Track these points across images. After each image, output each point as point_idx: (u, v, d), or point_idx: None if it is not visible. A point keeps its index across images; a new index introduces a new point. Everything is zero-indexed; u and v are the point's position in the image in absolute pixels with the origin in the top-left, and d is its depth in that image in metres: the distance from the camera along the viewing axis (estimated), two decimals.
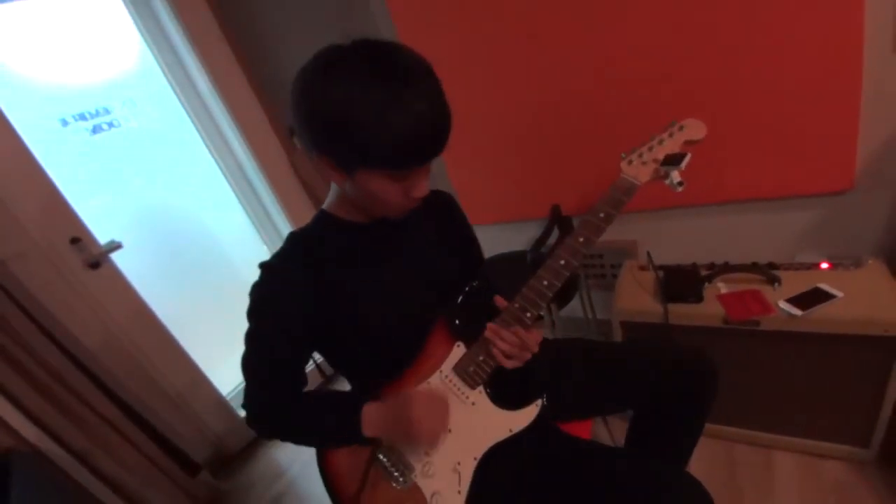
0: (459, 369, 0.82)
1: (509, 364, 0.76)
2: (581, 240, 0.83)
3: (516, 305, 0.78)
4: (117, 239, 1.54)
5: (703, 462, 1.26)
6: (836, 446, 1.14)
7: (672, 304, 1.18)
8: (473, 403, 0.81)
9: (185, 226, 1.86)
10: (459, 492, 0.77)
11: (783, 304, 1.05)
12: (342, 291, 0.78)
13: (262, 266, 0.77)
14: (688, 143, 0.87)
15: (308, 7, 1.64)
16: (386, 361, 0.84)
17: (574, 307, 1.81)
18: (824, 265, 1.15)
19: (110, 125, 1.64)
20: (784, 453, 1.21)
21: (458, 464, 0.78)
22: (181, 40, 1.69)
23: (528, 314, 0.77)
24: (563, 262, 0.82)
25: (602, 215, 0.83)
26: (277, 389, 0.81)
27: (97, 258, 1.47)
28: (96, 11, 1.62)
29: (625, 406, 1.01)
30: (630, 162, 0.86)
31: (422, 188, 0.71)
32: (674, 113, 0.91)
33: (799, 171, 1.18)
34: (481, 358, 0.80)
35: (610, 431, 1.26)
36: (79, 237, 1.43)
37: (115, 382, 1.49)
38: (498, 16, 1.37)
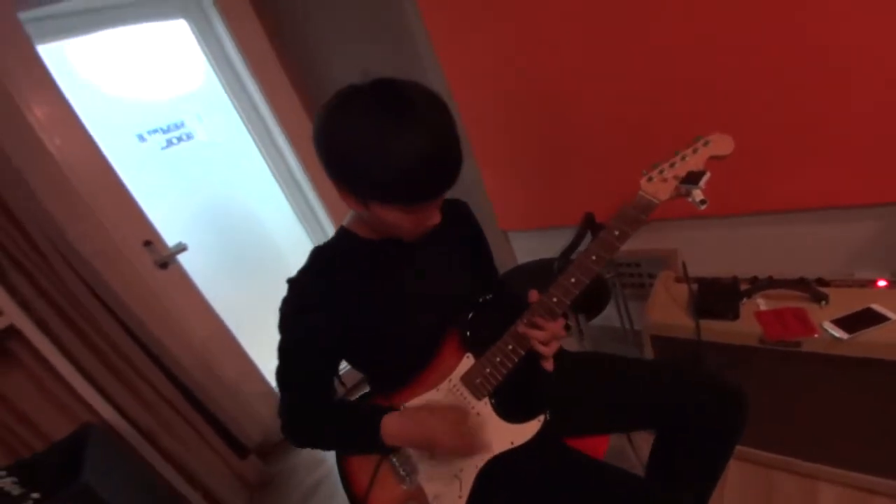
0: (467, 380, 0.84)
1: (546, 350, 0.79)
2: (593, 258, 0.82)
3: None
4: (183, 240, 1.72)
5: (738, 487, 1.19)
6: (887, 482, 1.04)
7: (705, 319, 1.13)
8: (478, 414, 0.83)
9: (242, 224, 2.04)
10: (460, 497, 0.80)
11: (828, 326, 0.97)
12: (359, 305, 0.82)
13: (289, 282, 0.83)
14: (714, 158, 0.83)
15: (349, 32, 1.73)
16: (399, 369, 0.88)
17: (610, 316, 1.77)
18: (881, 283, 1.04)
19: (179, 139, 1.83)
20: (828, 485, 1.11)
21: (461, 470, 0.81)
22: (239, 60, 1.85)
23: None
24: (573, 279, 0.82)
25: (617, 233, 0.81)
26: (307, 400, 0.86)
27: (166, 259, 1.65)
28: (168, 37, 1.81)
29: (644, 427, 0.98)
30: (650, 179, 0.83)
31: (434, 218, 0.75)
32: (714, 119, 0.87)
33: (853, 179, 1.08)
34: (488, 370, 0.83)
35: (634, 450, 1.22)
36: (150, 240, 1.61)
37: (178, 369, 1.67)
38: (532, 22, 1.37)
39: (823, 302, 1.04)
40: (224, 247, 1.99)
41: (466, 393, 0.84)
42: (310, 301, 0.81)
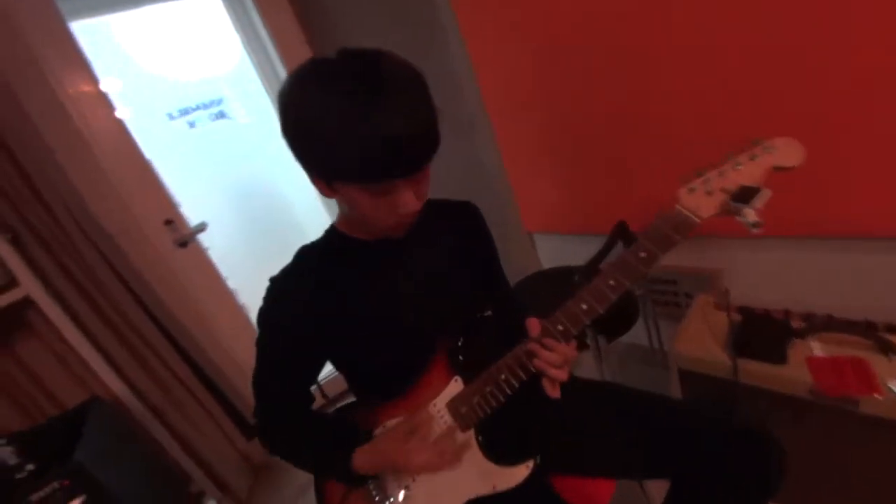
0: (452, 407, 0.76)
1: (557, 374, 0.69)
2: (611, 283, 0.70)
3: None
4: (207, 220, 1.72)
5: None
6: None
7: (745, 358, 0.98)
8: (460, 447, 0.74)
9: (266, 205, 2.03)
10: None
11: (894, 386, 0.80)
12: (340, 309, 0.76)
13: (270, 280, 0.78)
14: (777, 169, 0.67)
15: (378, 22, 1.66)
16: (382, 382, 0.81)
17: (639, 333, 1.61)
18: None
19: (209, 118, 1.83)
20: None
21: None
22: (269, 42, 1.81)
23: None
24: (584, 306, 0.71)
25: (643, 255, 0.69)
26: (280, 407, 0.81)
27: (186, 238, 1.67)
28: (204, 17, 1.80)
29: (658, 475, 0.85)
30: (691, 190, 0.69)
31: (407, 203, 0.65)
32: (777, 122, 0.71)
33: None
34: (476, 400, 0.74)
35: (647, 496, 1.09)
36: (171, 219, 1.63)
37: (192, 347, 1.68)
38: (569, 15, 1.23)
39: (892, 354, 0.86)
40: (248, 227, 1.99)
41: (451, 421, 0.76)
42: (286, 302, 0.76)
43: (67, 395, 1.39)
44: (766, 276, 1.23)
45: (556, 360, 0.68)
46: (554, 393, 0.70)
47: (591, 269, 1.35)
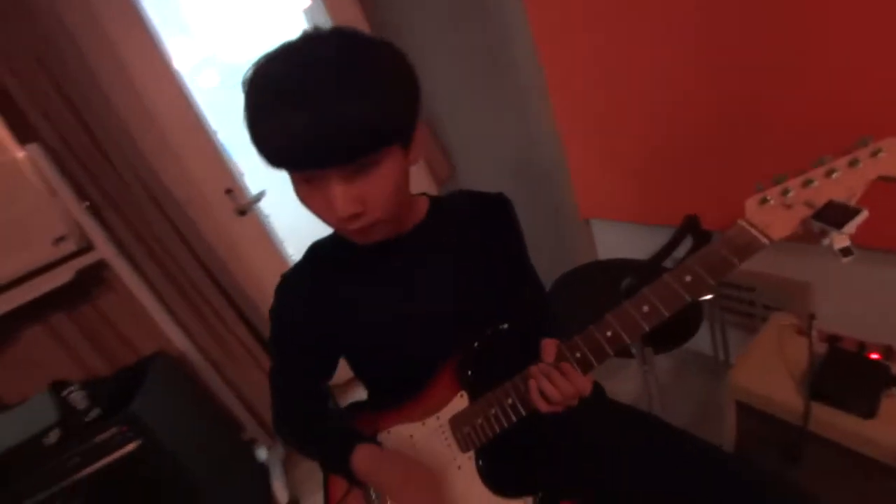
0: (455, 425, 0.71)
1: (544, 407, 0.62)
2: (645, 309, 0.60)
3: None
4: (265, 186, 1.79)
5: None
6: None
7: (821, 403, 0.81)
8: (459, 468, 0.70)
9: None
10: None
11: None
12: (339, 314, 0.73)
13: (281, 276, 0.77)
14: (883, 179, 0.52)
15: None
16: (386, 387, 0.79)
17: (701, 341, 1.43)
18: None
19: None
20: None
21: None
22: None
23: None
24: (609, 333, 0.61)
25: (688, 279, 0.58)
26: (286, 399, 0.82)
27: (245, 207, 1.75)
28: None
29: None
30: (764, 201, 0.55)
31: (335, 203, 0.56)
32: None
33: None
34: (479, 421, 0.68)
35: None
36: (231, 188, 1.71)
37: (248, 307, 1.81)
38: None
39: None
40: None
41: (451, 440, 0.71)
42: (291, 300, 0.75)
43: (139, 346, 1.57)
44: (866, 299, 1.01)
45: (555, 396, 0.60)
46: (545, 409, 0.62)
47: (653, 267, 1.20)
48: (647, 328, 0.60)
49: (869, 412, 0.76)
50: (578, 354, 0.62)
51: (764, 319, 1.19)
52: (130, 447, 1.16)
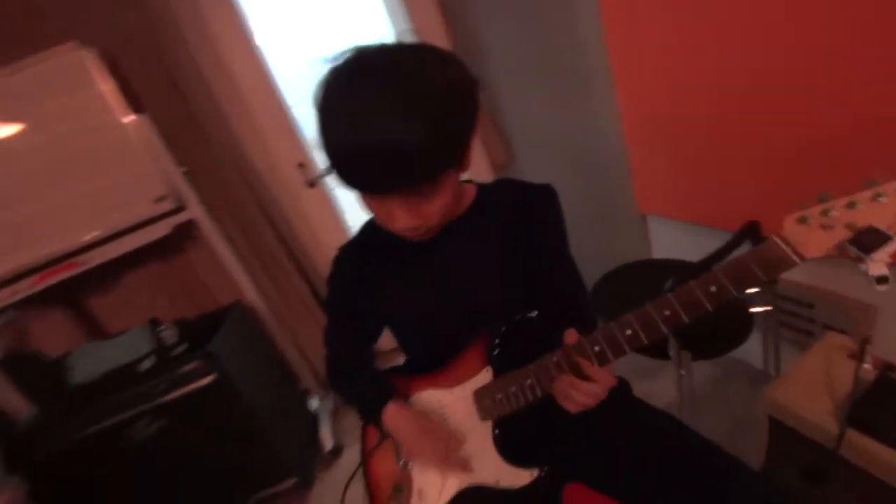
0: (478, 396, 0.78)
1: (568, 406, 0.67)
2: (666, 313, 0.61)
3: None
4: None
5: None
6: None
7: (857, 430, 0.78)
8: (478, 434, 0.78)
9: None
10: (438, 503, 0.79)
11: None
12: (388, 286, 0.82)
13: (338, 249, 0.87)
14: None
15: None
16: (421, 356, 0.88)
17: (753, 351, 1.38)
18: None
19: None
20: None
21: (445, 481, 0.79)
22: (405, 17, 1.85)
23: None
24: (629, 332, 0.64)
25: (713, 289, 0.58)
26: (337, 355, 0.94)
27: (314, 180, 1.90)
28: None
29: None
30: (803, 220, 0.54)
31: (396, 220, 0.63)
32: None
33: None
34: (499, 396, 0.75)
35: None
36: (303, 163, 1.86)
37: (311, 269, 1.98)
38: None
39: None
40: None
41: (473, 409, 0.79)
42: (346, 270, 0.85)
43: (219, 295, 1.80)
44: None
45: (586, 402, 0.64)
46: (573, 408, 0.66)
47: (701, 269, 1.17)
48: (665, 330, 0.62)
49: None
50: (597, 348, 0.65)
51: (821, 339, 1.14)
52: (207, 380, 1.37)
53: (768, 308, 1.21)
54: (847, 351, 0.94)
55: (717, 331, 1.14)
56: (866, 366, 0.86)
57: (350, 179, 0.61)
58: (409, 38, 1.97)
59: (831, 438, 0.80)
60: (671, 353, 1.16)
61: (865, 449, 0.77)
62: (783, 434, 0.91)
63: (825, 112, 0.95)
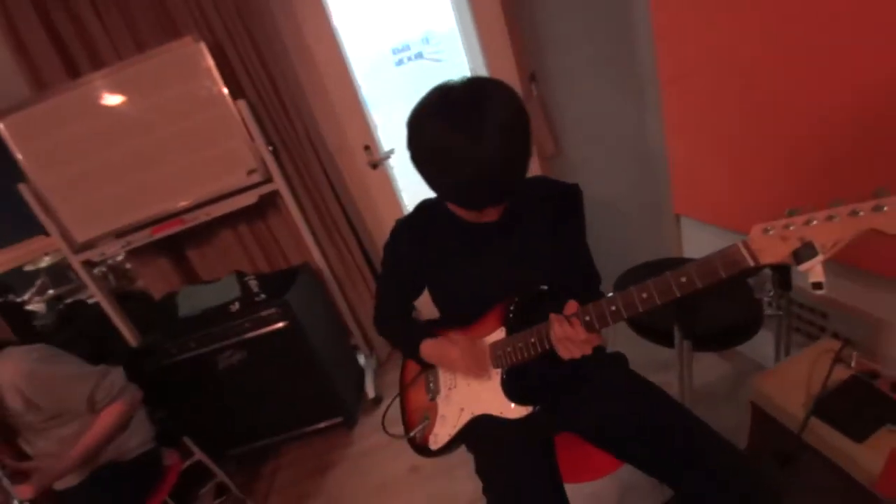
0: (492, 348, 0.98)
1: (559, 350, 0.83)
2: (644, 295, 0.77)
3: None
4: (395, 145, 2.15)
5: None
6: None
7: (821, 420, 0.90)
8: (489, 377, 0.97)
9: None
10: (454, 426, 1.00)
11: None
12: (431, 259, 1.01)
13: (396, 221, 1.07)
14: (876, 232, 0.61)
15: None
16: (452, 313, 1.09)
17: (765, 351, 1.46)
18: None
19: (410, 58, 2.17)
20: None
21: (462, 409, 1.00)
22: (468, 8, 1.99)
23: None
24: (613, 308, 0.80)
25: (683, 280, 0.73)
26: (386, 307, 1.15)
27: (377, 162, 2.13)
28: None
29: (660, 479, 0.91)
30: (768, 230, 0.66)
31: (487, 215, 0.86)
32: None
33: None
34: (508, 349, 0.94)
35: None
36: (369, 145, 2.10)
37: (368, 242, 2.24)
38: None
39: None
40: None
41: (489, 357, 0.98)
42: (401, 240, 1.05)
43: (291, 256, 2.11)
44: None
45: (561, 334, 0.81)
46: (564, 355, 0.84)
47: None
48: (641, 309, 0.77)
49: (859, 437, 0.84)
50: (587, 318, 0.81)
51: None
52: (281, 325, 1.68)
53: (779, 313, 1.29)
54: (833, 354, 1.03)
55: (717, 326, 1.24)
56: (854, 368, 0.96)
57: (469, 205, 0.84)
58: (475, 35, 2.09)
59: (798, 426, 0.92)
60: (675, 341, 1.28)
61: (826, 437, 0.88)
62: (762, 419, 1.03)
63: (884, 135, 0.97)
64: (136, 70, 1.68)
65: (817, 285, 0.66)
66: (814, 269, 0.64)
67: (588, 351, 0.82)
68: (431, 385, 1.08)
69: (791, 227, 0.67)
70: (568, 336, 0.81)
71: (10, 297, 2.25)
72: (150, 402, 1.46)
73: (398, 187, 2.28)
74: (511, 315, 0.97)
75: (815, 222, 0.65)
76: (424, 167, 0.81)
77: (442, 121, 0.75)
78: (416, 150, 0.80)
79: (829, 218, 0.64)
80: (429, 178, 0.81)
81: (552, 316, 0.84)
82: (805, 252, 0.64)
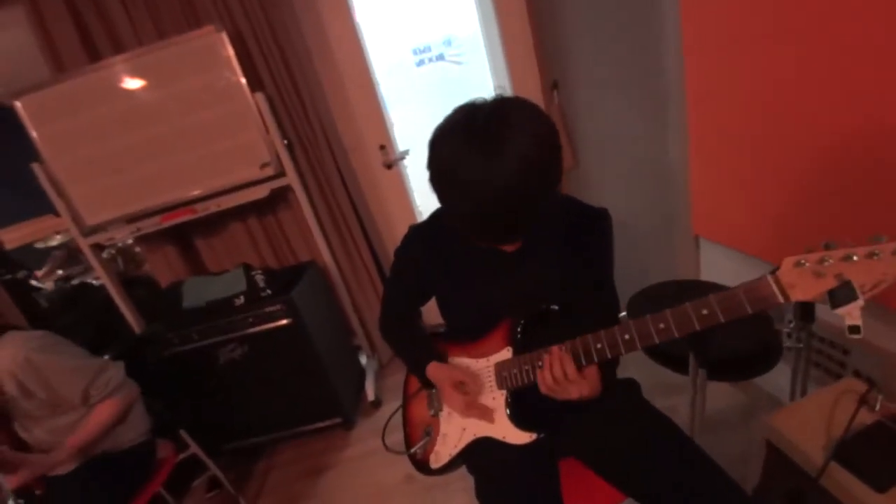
0: (498, 369, 0.95)
1: (543, 388, 0.83)
2: (661, 326, 0.74)
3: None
4: (410, 146, 2.12)
5: None
6: None
7: (840, 465, 0.85)
8: (494, 398, 0.94)
9: None
10: (456, 446, 0.97)
11: None
12: (441, 272, 0.98)
13: (409, 227, 1.04)
14: None
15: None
16: (458, 328, 1.06)
17: (780, 384, 1.40)
18: None
19: (431, 60, 2.13)
20: None
21: (464, 430, 0.97)
22: (493, 13, 1.96)
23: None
24: (626, 336, 0.77)
25: (705, 312, 0.70)
26: (391, 316, 1.13)
27: (391, 162, 2.11)
28: None
29: None
30: (800, 264, 0.63)
31: (505, 247, 0.85)
32: None
33: None
34: (514, 371, 0.91)
35: None
36: (384, 145, 2.07)
37: (378, 243, 2.22)
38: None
39: None
40: None
41: (493, 378, 0.95)
42: (413, 248, 1.02)
43: (300, 252, 2.09)
44: None
45: (550, 379, 0.81)
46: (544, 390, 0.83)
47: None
48: (656, 342, 0.74)
49: (881, 487, 0.79)
50: (599, 346, 0.79)
51: None
52: (285, 322, 1.66)
53: (799, 345, 1.24)
54: (857, 395, 0.99)
55: (735, 357, 1.19)
56: (878, 413, 0.91)
57: (480, 238, 0.84)
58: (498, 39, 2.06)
59: (816, 469, 0.87)
60: (690, 368, 1.24)
61: (844, 484, 0.84)
62: (776, 458, 0.98)
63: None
64: (156, 57, 1.67)
65: (854, 329, 0.62)
66: (851, 313, 0.61)
67: (573, 395, 0.80)
68: (434, 401, 1.05)
69: (827, 263, 0.63)
70: (555, 377, 0.81)
71: (22, 273, 2.25)
72: (149, 393, 1.45)
73: (411, 189, 2.26)
74: (519, 335, 0.94)
75: (855, 258, 0.61)
76: (438, 188, 0.77)
77: (461, 141, 0.71)
78: (433, 169, 0.77)
79: (871, 255, 0.60)
80: (443, 201, 0.79)
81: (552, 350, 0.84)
82: (843, 293, 0.60)
